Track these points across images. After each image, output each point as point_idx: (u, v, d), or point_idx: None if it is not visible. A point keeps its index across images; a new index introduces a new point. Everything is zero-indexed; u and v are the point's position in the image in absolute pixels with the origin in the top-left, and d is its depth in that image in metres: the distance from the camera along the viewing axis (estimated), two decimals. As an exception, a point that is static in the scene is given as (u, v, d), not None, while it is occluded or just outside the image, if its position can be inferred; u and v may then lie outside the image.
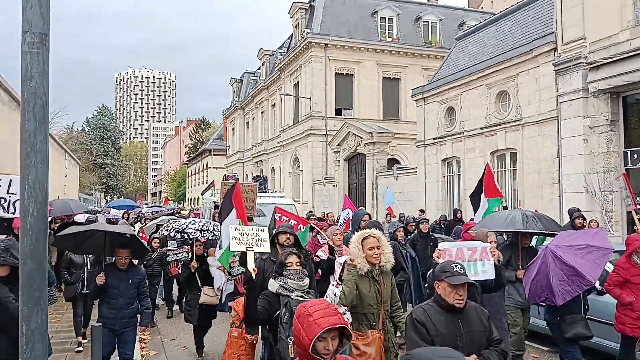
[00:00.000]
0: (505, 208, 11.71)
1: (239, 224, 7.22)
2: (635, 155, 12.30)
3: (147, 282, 6.29)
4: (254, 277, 4.58)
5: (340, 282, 5.16)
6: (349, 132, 25.77)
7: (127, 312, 5.77)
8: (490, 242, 5.58)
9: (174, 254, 9.84)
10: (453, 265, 3.56)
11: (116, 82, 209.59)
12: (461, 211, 15.52)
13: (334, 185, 27.77)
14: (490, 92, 17.34)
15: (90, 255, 7.53)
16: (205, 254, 7.57)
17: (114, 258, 5.96)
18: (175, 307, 10.79)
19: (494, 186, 9.03)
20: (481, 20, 26.06)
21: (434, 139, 20.49)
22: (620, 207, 12.57)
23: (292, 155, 33.84)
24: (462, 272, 3.51)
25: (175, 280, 10.47)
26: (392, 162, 26.16)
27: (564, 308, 5.66)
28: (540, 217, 6.75)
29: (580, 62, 13.14)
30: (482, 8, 46.68)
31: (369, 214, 9.19)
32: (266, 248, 5.15)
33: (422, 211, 18.09)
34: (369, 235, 4.74)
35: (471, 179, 18.21)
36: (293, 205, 15.56)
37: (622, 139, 12.66)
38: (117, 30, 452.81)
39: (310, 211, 16.17)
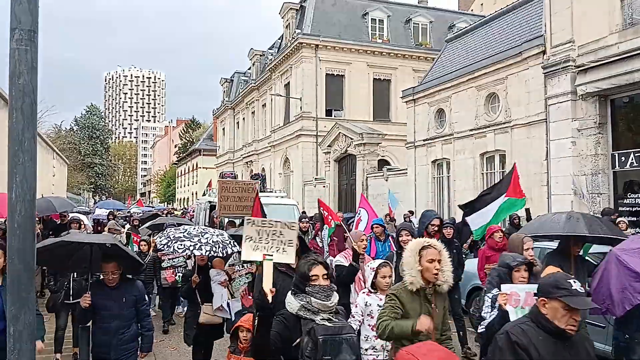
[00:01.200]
0: (527, 210, 10.94)
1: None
2: (623, 158, 12.43)
3: (146, 298, 5.29)
4: (270, 301, 3.41)
5: (372, 290, 4.54)
6: (340, 133, 25.80)
7: (123, 337, 4.77)
8: (527, 250, 5.16)
9: (169, 259, 9.06)
10: (570, 281, 2.91)
11: (105, 81, 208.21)
12: None
13: (324, 186, 27.79)
14: (479, 94, 17.44)
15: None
16: (210, 265, 6.46)
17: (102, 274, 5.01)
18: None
19: (519, 186, 8.31)
20: (471, 22, 26.22)
21: (423, 140, 20.57)
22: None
23: (282, 155, 33.82)
24: (582, 292, 2.93)
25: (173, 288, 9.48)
26: (383, 163, 26.22)
27: (634, 324, 4.88)
28: (602, 219, 5.97)
29: (569, 65, 13.26)
30: (472, 10, 46.99)
31: (440, 218, 7.74)
32: (290, 257, 3.93)
33: (412, 212, 18.14)
34: (430, 245, 3.84)
35: (461, 181, 18.31)
36: (295, 206, 14.98)
37: (610, 142, 12.78)
38: (106, 30, 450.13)
39: (303, 212, 15.65)
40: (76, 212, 15.68)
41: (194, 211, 21.88)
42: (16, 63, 2.05)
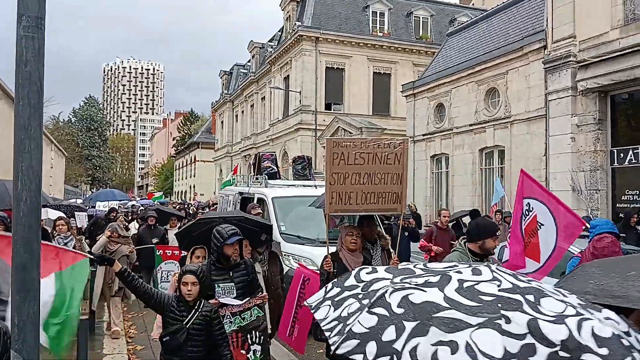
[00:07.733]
0: None
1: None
2: (622, 154, 12.44)
3: None
4: None
5: None
6: (339, 127, 25.78)
7: None
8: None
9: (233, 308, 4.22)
10: None
11: (104, 72, 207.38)
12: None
13: (322, 180, 27.72)
14: (479, 89, 17.42)
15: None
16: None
17: None
18: None
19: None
20: (472, 16, 26.16)
21: (423, 135, 20.55)
22: (606, 206, 12.72)
23: (281, 149, 33.75)
24: None
25: None
26: (381, 157, 26.16)
27: None
28: None
29: (570, 61, 13.24)
30: (473, 4, 46.80)
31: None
32: None
33: (415, 210, 18.06)
34: None
35: (460, 176, 18.32)
36: None
37: (609, 138, 12.80)
38: (105, 22, 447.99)
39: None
40: (56, 206, 11.55)
41: (214, 205, 18.07)
42: (23, 50, 2.02)
